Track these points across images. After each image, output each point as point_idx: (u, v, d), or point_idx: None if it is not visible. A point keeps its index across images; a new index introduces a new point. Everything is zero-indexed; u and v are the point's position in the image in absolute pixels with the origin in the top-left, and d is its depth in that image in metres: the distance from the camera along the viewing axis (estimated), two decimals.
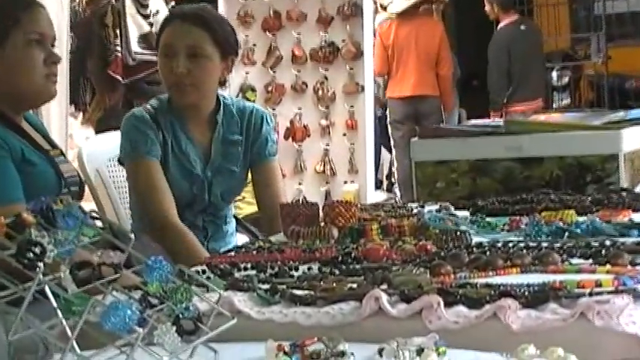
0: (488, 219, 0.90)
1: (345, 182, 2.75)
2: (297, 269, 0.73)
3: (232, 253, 0.83)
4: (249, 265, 0.74)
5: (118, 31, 2.02)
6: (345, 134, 2.74)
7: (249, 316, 0.59)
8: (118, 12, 2.05)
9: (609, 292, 0.57)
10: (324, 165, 2.75)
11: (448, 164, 1.26)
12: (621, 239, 0.77)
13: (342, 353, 0.49)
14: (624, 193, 1.00)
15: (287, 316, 0.58)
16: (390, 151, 3.18)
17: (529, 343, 0.50)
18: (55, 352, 0.48)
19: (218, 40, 1.10)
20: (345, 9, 2.70)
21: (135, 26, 2.06)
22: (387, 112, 3.12)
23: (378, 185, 3.20)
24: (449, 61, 3.05)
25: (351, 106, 2.73)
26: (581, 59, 4.16)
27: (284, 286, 0.63)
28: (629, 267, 0.66)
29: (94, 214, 0.53)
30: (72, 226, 0.51)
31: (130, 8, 2.08)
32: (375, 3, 3.03)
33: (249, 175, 1.17)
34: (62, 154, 1.01)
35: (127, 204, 1.21)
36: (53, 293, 0.47)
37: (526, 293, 0.58)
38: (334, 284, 0.63)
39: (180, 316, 0.50)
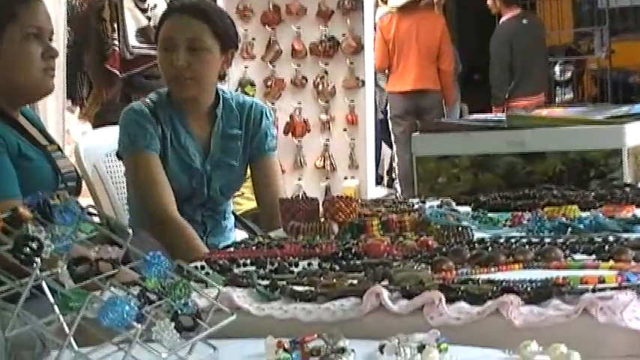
0: (490, 214, 0.89)
1: (346, 178, 2.74)
2: (297, 265, 0.72)
3: (231, 249, 0.82)
4: (248, 261, 0.74)
5: (115, 25, 2.01)
6: (345, 129, 2.73)
7: (248, 312, 0.59)
8: (116, 6, 2.03)
9: (613, 288, 0.57)
10: (324, 160, 2.74)
11: (450, 159, 1.25)
12: (625, 235, 0.77)
13: (343, 350, 0.48)
14: (628, 189, 1.00)
15: (287, 312, 0.58)
16: (391, 147, 3.17)
17: (531, 339, 0.49)
18: (52, 348, 0.48)
19: (218, 33, 1.09)
20: (346, 3, 2.68)
21: (132, 20, 2.05)
22: (388, 107, 3.11)
23: (379, 181, 3.19)
24: (450, 55, 3.03)
25: (352, 101, 2.72)
26: (584, 54, 4.14)
27: (284, 282, 0.63)
28: (633, 263, 0.66)
29: (91, 210, 0.53)
30: (69, 221, 0.51)
31: (128, 2, 2.06)
32: None
33: (249, 170, 1.16)
34: (59, 149, 1.00)
35: (124, 199, 1.20)
36: (50, 289, 0.47)
37: (528, 289, 0.57)
38: (334, 280, 0.63)
39: (179, 312, 0.49)
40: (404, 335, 0.49)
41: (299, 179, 2.74)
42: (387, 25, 3.00)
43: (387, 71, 3.05)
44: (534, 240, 0.75)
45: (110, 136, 1.19)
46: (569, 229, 0.80)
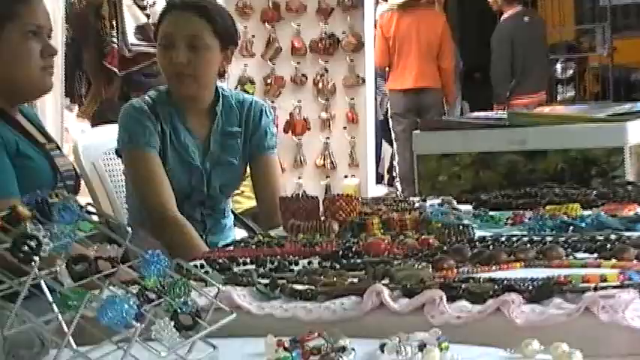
0: (491, 213, 0.89)
1: (346, 176, 2.74)
2: (297, 264, 0.72)
3: (231, 248, 0.82)
4: (248, 260, 0.73)
5: (114, 23, 2.00)
6: (345, 127, 2.73)
7: (248, 311, 0.58)
8: (114, 3, 2.03)
9: (615, 287, 0.56)
10: (325, 159, 2.74)
11: (450, 157, 1.25)
12: (627, 233, 0.76)
13: (343, 348, 0.48)
14: (630, 187, 0.99)
15: (287, 311, 0.58)
16: (392, 145, 3.16)
17: (533, 338, 0.49)
18: (51, 347, 0.47)
19: (218, 31, 1.09)
20: (346, 0, 2.67)
21: (131, 17, 2.04)
22: (388, 105, 3.10)
23: (379, 179, 3.19)
24: (451, 53, 3.03)
25: (352, 99, 2.71)
26: (586, 51, 4.12)
27: (284, 281, 0.63)
28: (635, 261, 0.65)
29: (90, 208, 0.52)
30: (68, 219, 0.51)
31: None
32: None
33: (248, 168, 1.16)
34: (58, 147, 1.00)
35: (123, 198, 1.20)
36: (49, 288, 0.46)
37: (530, 288, 0.57)
38: (335, 279, 0.63)
39: (179, 310, 0.49)
40: (405, 334, 0.49)
41: (299, 178, 2.74)
42: (388, 22, 2.99)
43: (387, 69, 3.05)
44: (536, 238, 0.75)
45: (109, 134, 1.19)
46: (571, 228, 0.80)
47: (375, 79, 2.88)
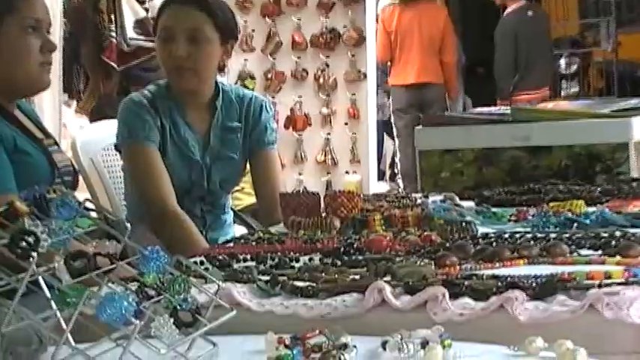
0: (494, 209, 0.88)
1: (347, 172, 2.72)
2: (297, 260, 0.71)
3: (231, 244, 0.81)
4: (248, 257, 0.73)
5: (112, 17, 1.98)
6: (346, 123, 2.71)
7: (248, 308, 0.58)
8: None
9: (619, 284, 0.56)
10: (325, 155, 2.73)
11: (453, 153, 1.25)
12: (632, 230, 0.76)
13: (345, 346, 0.48)
14: (634, 183, 0.99)
15: (288, 308, 0.57)
16: (394, 139, 3.15)
17: (537, 335, 0.49)
18: (49, 344, 0.47)
19: (218, 24, 1.08)
20: None
21: (130, 11, 2.02)
22: (390, 100, 3.09)
23: (381, 176, 3.18)
24: (453, 47, 3.01)
25: (353, 94, 2.70)
26: (590, 46, 4.08)
27: (284, 278, 0.62)
28: None
29: (89, 204, 0.52)
30: (66, 215, 0.50)
31: None
32: None
33: (248, 164, 1.15)
34: (56, 143, 0.99)
35: (122, 194, 1.19)
36: (47, 284, 0.46)
37: (534, 285, 0.56)
38: (336, 276, 0.62)
39: (178, 307, 0.49)
40: (407, 331, 0.49)
41: (299, 174, 2.72)
42: (389, 16, 2.97)
43: (389, 64, 3.03)
44: (539, 235, 0.75)
45: (107, 129, 1.18)
46: (575, 225, 0.79)
47: (377, 76, 2.86)
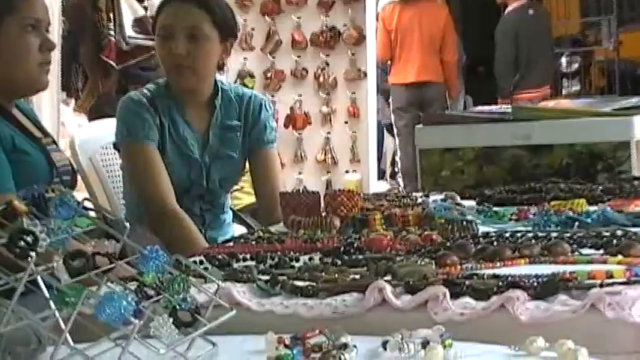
0: (495, 208, 0.88)
1: (347, 171, 2.72)
2: (297, 260, 0.71)
3: (231, 244, 0.81)
4: (248, 256, 0.73)
5: (111, 15, 1.97)
6: (346, 122, 2.70)
7: (248, 307, 0.58)
8: None
9: (621, 283, 0.56)
10: (325, 154, 2.72)
11: (454, 152, 1.25)
12: (633, 229, 0.75)
13: (345, 346, 0.47)
14: (636, 182, 0.99)
15: (288, 307, 0.57)
16: (394, 138, 3.14)
17: (538, 335, 0.48)
18: (48, 344, 0.47)
19: (218, 22, 1.08)
20: None
21: (129, 10, 2.01)
22: (390, 99, 3.08)
23: (381, 175, 3.17)
24: (453, 46, 3.00)
25: (353, 93, 2.69)
26: (591, 44, 4.08)
27: (284, 277, 0.62)
28: None
29: (87, 204, 0.52)
30: (65, 215, 0.50)
31: None
32: None
33: (247, 163, 1.15)
34: (54, 142, 0.99)
35: (120, 193, 1.19)
36: (46, 284, 0.46)
37: (535, 284, 0.56)
38: (336, 275, 0.62)
39: (178, 307, 0.49)
40: (407, 331, 0.48)
41: (299, 173, 2.72)
42: (389, 15, 2.97)
43: (389, 62, 3.02)
44: (541, 234, 0.75)
45: (106, 128, 1.18)
46: (577, 224, 0.79)
47: (377, 75, 2.86)
